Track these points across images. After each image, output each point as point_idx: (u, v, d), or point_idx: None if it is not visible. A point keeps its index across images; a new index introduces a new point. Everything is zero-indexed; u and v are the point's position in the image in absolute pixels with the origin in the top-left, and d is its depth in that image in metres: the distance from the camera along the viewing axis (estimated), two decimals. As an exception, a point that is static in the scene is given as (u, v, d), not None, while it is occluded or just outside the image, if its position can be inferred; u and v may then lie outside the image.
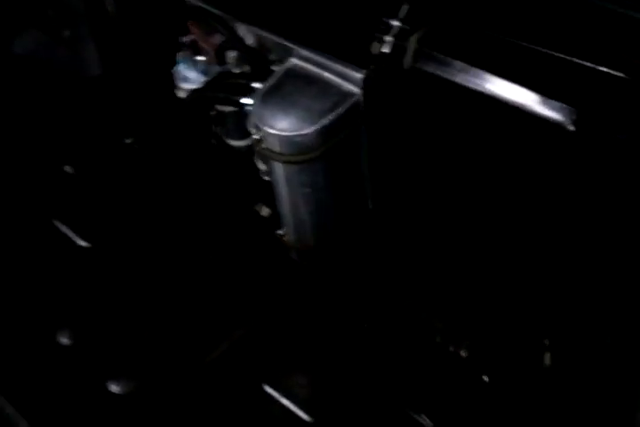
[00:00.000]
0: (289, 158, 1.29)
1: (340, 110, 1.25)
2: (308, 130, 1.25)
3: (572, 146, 1.07)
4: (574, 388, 1.29)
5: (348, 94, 1.26)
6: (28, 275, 1.75)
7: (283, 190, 1.36)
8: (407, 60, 1.18)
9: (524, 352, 1.35)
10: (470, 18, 1.14)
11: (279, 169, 1.32)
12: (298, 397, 1.52)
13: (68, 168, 1.94)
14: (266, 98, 1.29)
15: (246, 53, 1.39)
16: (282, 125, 1.26)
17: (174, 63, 1.48)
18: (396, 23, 1.19)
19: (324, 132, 1.26)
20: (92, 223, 1.84)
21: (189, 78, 1.47)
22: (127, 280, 1.72)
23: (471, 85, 1.13)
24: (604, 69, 1.02)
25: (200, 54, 1.47)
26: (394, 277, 1.52)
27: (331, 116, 1.25)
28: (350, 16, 1.27)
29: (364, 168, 1.37)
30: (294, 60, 1.32)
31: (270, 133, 1.26)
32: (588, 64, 1.03)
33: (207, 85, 1.44)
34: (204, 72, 1.46)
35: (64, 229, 1.83)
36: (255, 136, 1.31)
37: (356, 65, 1.24)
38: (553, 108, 1.06)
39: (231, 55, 1.42)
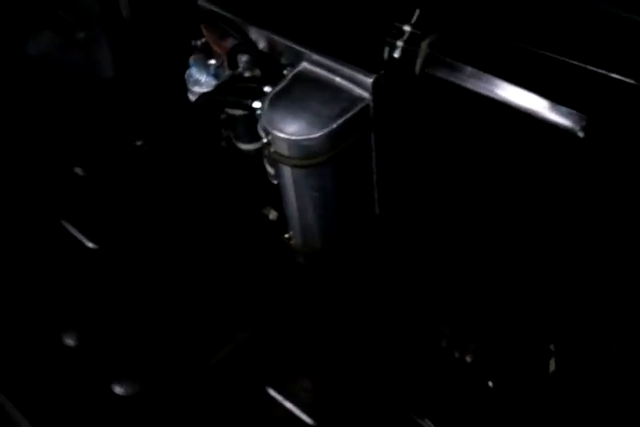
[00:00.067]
0: (297, 162, 1.29)
1: (350, 115, 1.26)
2: (317, 134, 1.25)
3: (582, 152, 1.06)
4: (579, 394, 1.29)
5: (358, 99, 1.27)
6: (35, 276, 1.75)
7: (290, 194, 1.37)
8: (418, 65, 1.19)
9: (530, 358, 1.35)
10: (481, 23, 1.14)
11: (287, 173, 1.33)
12: (301, 400, 1.51)
13: (78, 170, 1.95)
14: (275, 102, 1.30)
15: (257, 57, 1.40)
16: (291, 129, 1.26)
17: (186, 66, 1.48)
18: (407, 28, 1.19)
19: (332, 137, 1.26)
20: (100, 225, 1.84)
21: (201, 81, 1.48)
22: (133, 282, 1.72)
23: (481, 91, 1.13)
24: (616, 76, 1.02)
25: (212, 58, 1.47)
26: (399, 282, 1.52)
27: (340, 121, 1.25)
28: (362, 21, 1.27)
29: (372, 173, 1.37)
30: (305, 65, 1.32)
31: (279, 137, 1.27)
32: (600, 71, 1.03)
33: (218, 89, 1.44)
34: (216, 75, 1.47)
35: (72, 230, 1.83)
36: (264, 140, 1.31)
37: (367, 70, 1.25)
38: (563, 115, 1.06)
39: (243, 59, 1.43)
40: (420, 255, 1.45)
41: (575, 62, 1.05)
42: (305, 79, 1.31)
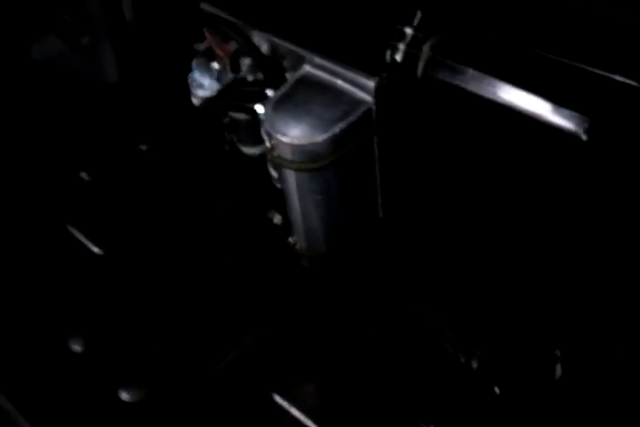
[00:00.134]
0: (300, 166, 1.29)
1: (352, 118, 1.25)
2: (320, 138, 1.24)
3: (585, 155, 1.06)
4: (586, 399, 1.28)
5: (361, 102, 1.26)
6: (40, 281, 1.75)
7: (294, 198, 1.36)
8: (420, 67, 1.18)
9: (536, 364, 1.34)
10: (483, 26, 1.14)
11: (290, 176, 1.32)
12: (307, 406, 1.51)
13: (83, 175, 1.95)
14: (278, 105, 1.29)
15: (260, 61, 1.39)
16: (293, 133, 1.25)
17: (189, 70, 1.48)
18: (409, 31, 1.19)
19: (335, 141, 1.25)
20: (105, 230, 1.84)
21: (204, 85, 1.47)
22: (139, 288, 1.72)
23: (484, 93, 1.12)
24: (619, 78, 1.01)
25: (215, 61, 1.47)
26: (404, 286, 1.51)
27: (342, 125, 1.24)
28: (364, 24, 1.27)
29: (375, 176, 1.36)
30: (307, 68, 1.32)
31: (282, 141, 1.26)
32: (603, 73, 1.02)
33: (221, 93, 1.43)
34: (219, 79, 1.46)
35: (78, 235, 1.83)
36: (267, 143, 1.30)
37: (369, 73, 1.24)
38: (566, 117, 1.05)
39: (245, 62, 1.42)
40: (425, 259, 1.45)
41: (578, 64, 1.04)
42: (307, 82, 1.31)
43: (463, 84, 1.13)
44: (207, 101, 1.45)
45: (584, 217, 1.11)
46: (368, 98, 1.25)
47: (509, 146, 1.14)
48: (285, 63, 1.37)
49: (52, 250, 1.81)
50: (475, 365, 1.44)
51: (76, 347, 1.63)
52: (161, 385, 1.56)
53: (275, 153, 1.30)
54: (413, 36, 1.18)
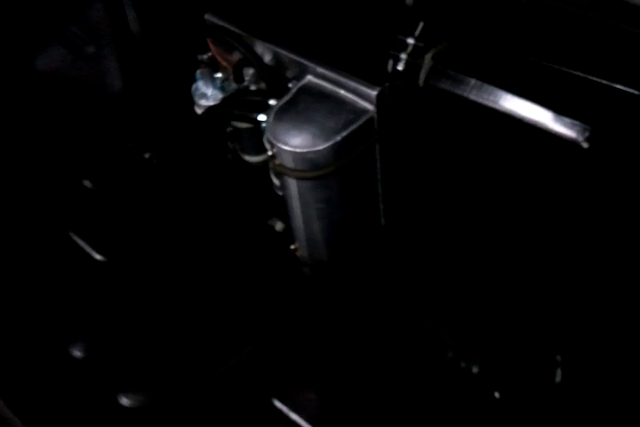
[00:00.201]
0: (302, 174, 1.30)
1: (354, 127, 1.26)
2: (321, 146, 1.26)
3: (586, 163, 1.07)
4: (586, 404, 1.28)
5: (363, 111, 1.27)
6: (43, 287, 1.76)
7: (296, 205, 1.37)
8: (422, 77, 1.19)
9: (536, 369, 1.34)
10: (484, 36, 1.15)
11: (292, 185, 1.33)
12: (307, 412, 1.51)
13: (86, 182, 1.96)
14: (280, 114, 1.31)
15: (263, 71, 1.40)
16: (296, 142, 1.27)
17: (193, 80, 1.50)
18: (411, 41, 1.20)
19: (337, 149, 1.26)
20: (108, 238, 1.85)
21: (207, 95, 1.49)
22: (140, 294, 1.73)
23: (485, 102, 1.13)
24: (619, 87, 1.02)
25: (218, 71, 1.48)
26: (405, 293, 1.52)
27: (344, 133, 1.26)
28: (366, 34, 1.28)
29: (377, 184, 1.37)
30: (310, 78, 1.33)
31: (284, 150, 1.28)
32: (603, 81, 1.04)
33: (224, 102, 1.45)
34: (222, 89, 1.48)
35: (81, 242, 1.84)
36: (269, 152, 1.32)
37: (371, 82, 1.26)
38: (567, 126, 1.06)
39: (248, 72, 1.44)
40: (426, 266, 1.45)
41: (578, 73, 1.05)
42: (310, 92, 1.32)
43: (464, 94, 1.15)
44: (210, 111, 1.46)
45: (585, 224, 1.12)
46: (370, 107, 1.27)
47: (511, 154, 1.15)
48: (288, 73, 1.38)
49: (55, 256, 1.82)
50: (475, 370, 1.44)
51: (77, 352, 1.64)
52: (161, 390, 1.56)
53: (277, 161, 1.31)
54: (415, 46, 1.20)
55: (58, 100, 1.96)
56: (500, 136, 1.15)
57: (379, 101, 1.25)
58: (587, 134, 1.05)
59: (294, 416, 1.51)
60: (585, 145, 1.05)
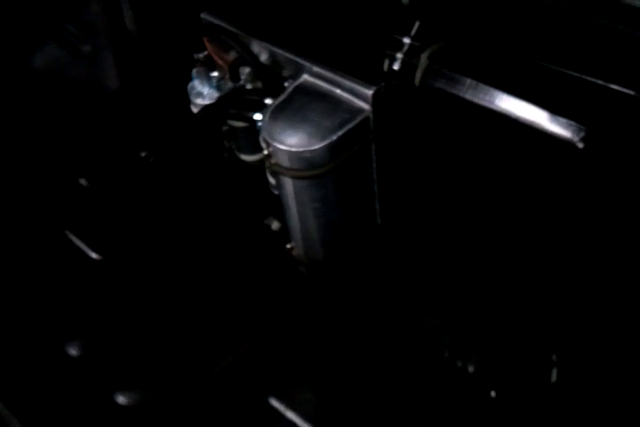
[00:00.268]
0: (298, 174, 1.30)
1: (350, 127, 1.26)
2: (317, 146, 1.26)
3: (581, 163, 1.07)
4: (581, 404, 1.29)
5: (359, 111, 1.27)
6: (38, 286, 1.76)
7: (292, 205, 1.37)
8: (418, 76, 1.19)
9: (532, 368, 1.35)
10: (480, 35, 1.15)
11: (288, 184, 1.33)
12: (304, 410, 1.51)
13: (82, 181, 1.96)
14: (276, 114, 1.31)
15: (259, 70, 1.41)
16: (291, 141, 1.27)
17: (189, 79, 1.50)
18: (406, 40, 1.20)
19: (332, 148, 1.27)
20: (104, 236, 1.85)
21: (203, 94, 1.49)
22: (136, 293, 1.73)
23: (481, 102, 1.13)
24: (615, 87, 1.03)
25: (214, 70, 1.48)
26: (401, 292, 1.52)
27: (340, 133, 1.26)
28: (362, 33, 1.28)
29: (373, 184, 1.37)
30: (305, 77, 1.33)
31: (279, 149, 1.28)
32: (599, 81, 1.04)
33: (220, 101, 1.45)
34: (218, 88, 1.48)
35: (76, 241, 1.84)
36: (265, 151, 1.32)
37: (367, 82, 1.26)
38: (562, 126, 1.07)
39: (244, 71, 1.44)
40: (422, 265, 1.46)
41: (574, 73, 1.05)
42: (306, 91, 1.32)
43: (460, 93, 1.15)
44: (206, 110, 1.46)
45: (581, 224, 1.12)
46: (366, 106, 1.27)
47: (506, 154, 1.15)
48: (284, 72, 1.38)
49: (51, 255, 1.82)
50: (471, 369, 1.44)
51: (74, 351, 1.64)
52: (157, 389, 1.57)
53: (272, 160, 1.31)
54: (411, 46, 1.20)
55: (54, 98, 1.96)
56: (496, 136, 1.15)
57: (374, 101, 1.25)
58: (582, 135, 1.05)
59: (290, 415, 1.51)
60: (580, 145, 1.05)
